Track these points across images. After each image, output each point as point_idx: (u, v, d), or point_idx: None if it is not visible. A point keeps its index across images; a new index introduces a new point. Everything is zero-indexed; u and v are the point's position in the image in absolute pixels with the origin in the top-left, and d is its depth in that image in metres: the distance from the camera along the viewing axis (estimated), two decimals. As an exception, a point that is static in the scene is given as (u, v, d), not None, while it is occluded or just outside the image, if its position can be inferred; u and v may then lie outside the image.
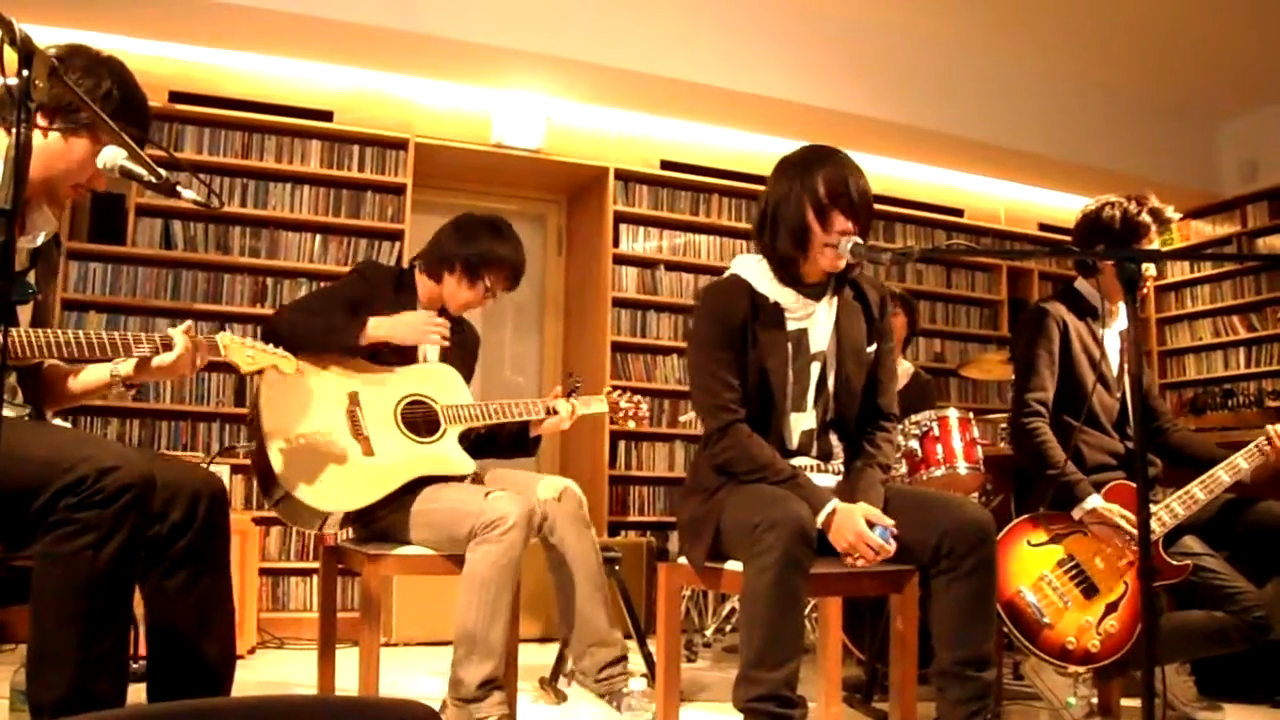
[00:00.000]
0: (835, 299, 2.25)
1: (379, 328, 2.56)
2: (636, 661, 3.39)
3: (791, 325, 2.21)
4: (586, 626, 2.58)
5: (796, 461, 2.20)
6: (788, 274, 2.20)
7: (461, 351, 2.85)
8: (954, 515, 2.05)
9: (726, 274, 2.29)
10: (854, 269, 2.23)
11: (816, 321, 2.22)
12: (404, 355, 2.67)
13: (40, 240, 1.89)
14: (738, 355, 2.17)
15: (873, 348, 2.28)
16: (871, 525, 2.01)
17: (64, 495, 1.54)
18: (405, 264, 2.93)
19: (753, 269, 2.24)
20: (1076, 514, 2.52)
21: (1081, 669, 2.48)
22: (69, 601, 1.55)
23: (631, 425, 3.02)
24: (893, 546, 2.01)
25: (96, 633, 1.57)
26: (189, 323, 1.97)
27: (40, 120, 1.77)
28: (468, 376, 2.84)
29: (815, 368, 2.22)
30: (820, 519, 2.02)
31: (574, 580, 2.59)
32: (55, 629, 1.56)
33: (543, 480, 2.66)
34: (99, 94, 1.77)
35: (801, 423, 2.22)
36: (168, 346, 1.90)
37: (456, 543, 2.40)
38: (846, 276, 2.25)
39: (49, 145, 1.80)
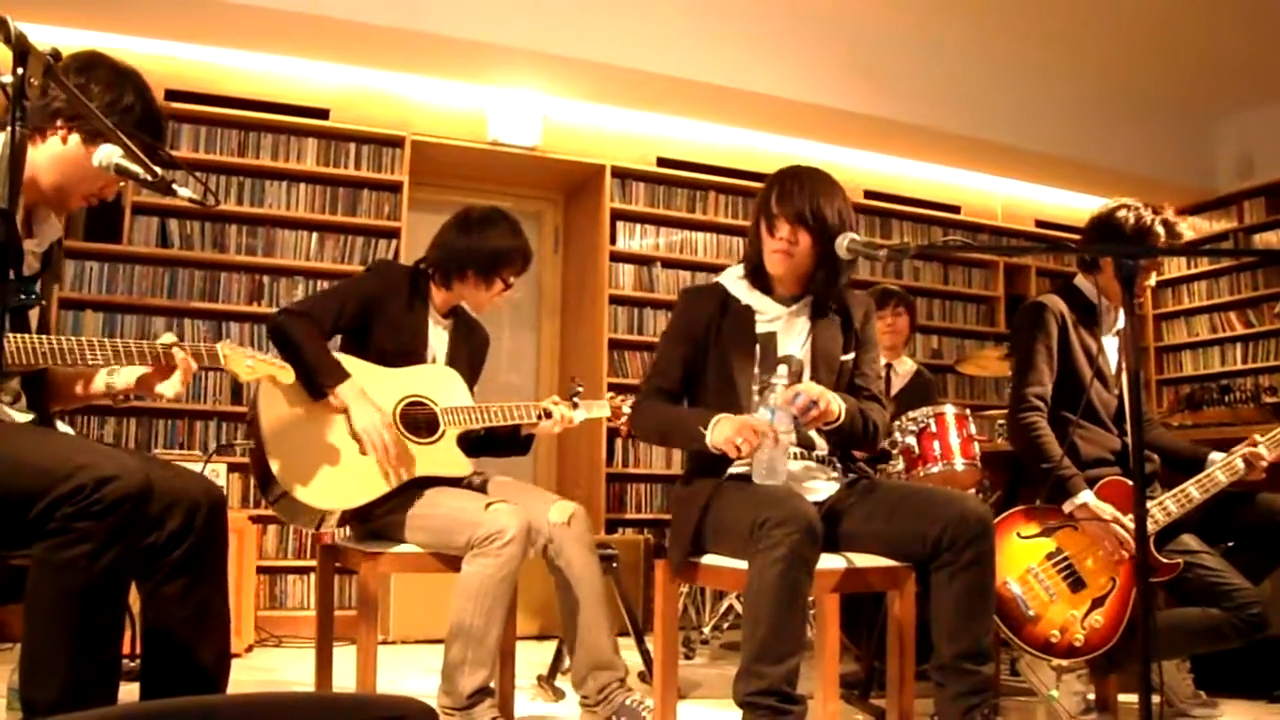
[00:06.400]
0: (810, 310, 2.32)
1: (348, 393, 2.47)
2: (635, 662, 3.40)
3: (761, 328, 2.30)
4: (589, 651, 2.57)
5: None
6: (761, 282, 2.31)
7: (469, 353, 2.84)
8: (954, 509, 2.06)
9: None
10: (836, 285, 2.28)
11: (788, 328, 2.30)
12: (409, 356, 2.66)
13: (46, 245, 1.89)
14: (696, 350, 2.30)
15: (850, 355, 2.33)
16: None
17: (61, 504, 1.54)
18: (408, 263, 2.89)
19: (732, 278, 2.37)
20: (1067, 508, 2.52)
21: (1065, 662, 2.49)
22: (63, 609, 1.55)
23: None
24: (781, 426, 2.02)
25: (89, 640, 1.57)
26: (174, 339, 1.94)
27: (59, 127, 1.78)
28: (474, 378, 2.82)
29: (782, 370, 2.22)
30: (708, 432, 2.09)
31: (579, 604, 2.57)
32: (48, 635, 1.56)
33: (555, 504, 2.64)
34: (120, 106, 1.80)
35: None
36: (168, 358, 1.89)
37: (453, 549, 2.40)
38: (829, 293, 2.30)
39: (67, 152, 1.80)
